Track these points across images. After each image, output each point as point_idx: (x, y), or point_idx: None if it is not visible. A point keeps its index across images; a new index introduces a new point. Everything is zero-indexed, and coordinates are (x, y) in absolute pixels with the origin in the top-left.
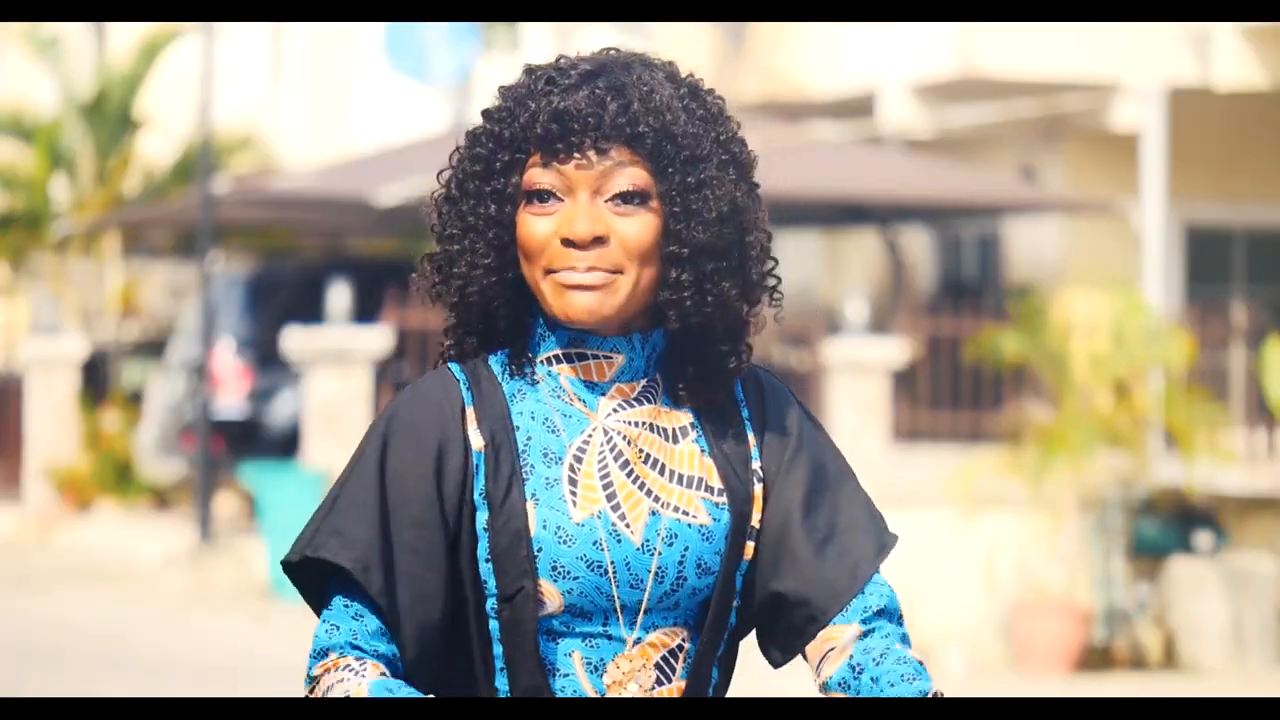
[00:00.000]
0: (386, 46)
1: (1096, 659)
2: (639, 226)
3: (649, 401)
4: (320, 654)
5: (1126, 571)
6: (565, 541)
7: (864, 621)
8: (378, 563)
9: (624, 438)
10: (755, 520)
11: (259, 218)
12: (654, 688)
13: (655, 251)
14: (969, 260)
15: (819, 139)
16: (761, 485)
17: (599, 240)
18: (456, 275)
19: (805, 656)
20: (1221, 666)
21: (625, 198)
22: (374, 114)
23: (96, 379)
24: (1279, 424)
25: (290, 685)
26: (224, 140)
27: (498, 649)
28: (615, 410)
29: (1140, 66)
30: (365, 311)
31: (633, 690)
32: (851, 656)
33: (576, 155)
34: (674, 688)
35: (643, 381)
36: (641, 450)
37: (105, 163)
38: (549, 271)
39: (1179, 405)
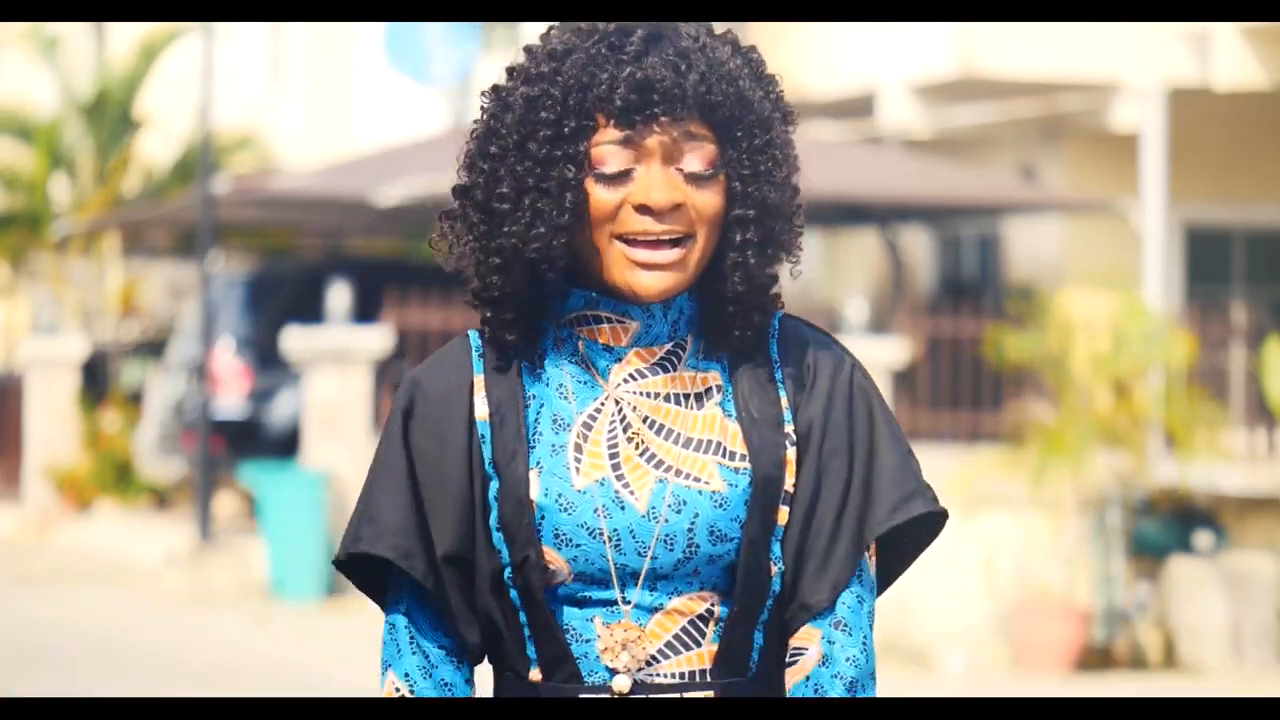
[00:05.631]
0: (386, 46)
1: (1096, 659)
2: (711, 196)
3: (669, 368)
4: (384, 668)
5: (1126, 571)
6: (566, 509)
7: (827, 641)
8: (417, 546)
9: (634, 409)
10: (789, 484)
11: (259, 218)
12: (667, 657)
13: (721, 219)
14: (969, 260)
15: (819, 139)
16: (794, 448)
17: (675, 207)
18: (508, 234)
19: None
20: (1221, 666)
21: (698, 174)
22: (374, 114)
23: (96, 379)
24: (1279, 424)
25: (290, 685)
26: (224, 140)
27: (523, 617)
28: (627, 380)
29: (1140, 66)
30: (365, 311)
31: (624, 660)
32: (808, 680)
33: (655, 127)
34: (703, 652)
35: (665, 346)
36: (653, 421)
37: (105, 163)
38: (618, 238)
39: (1179, 405)
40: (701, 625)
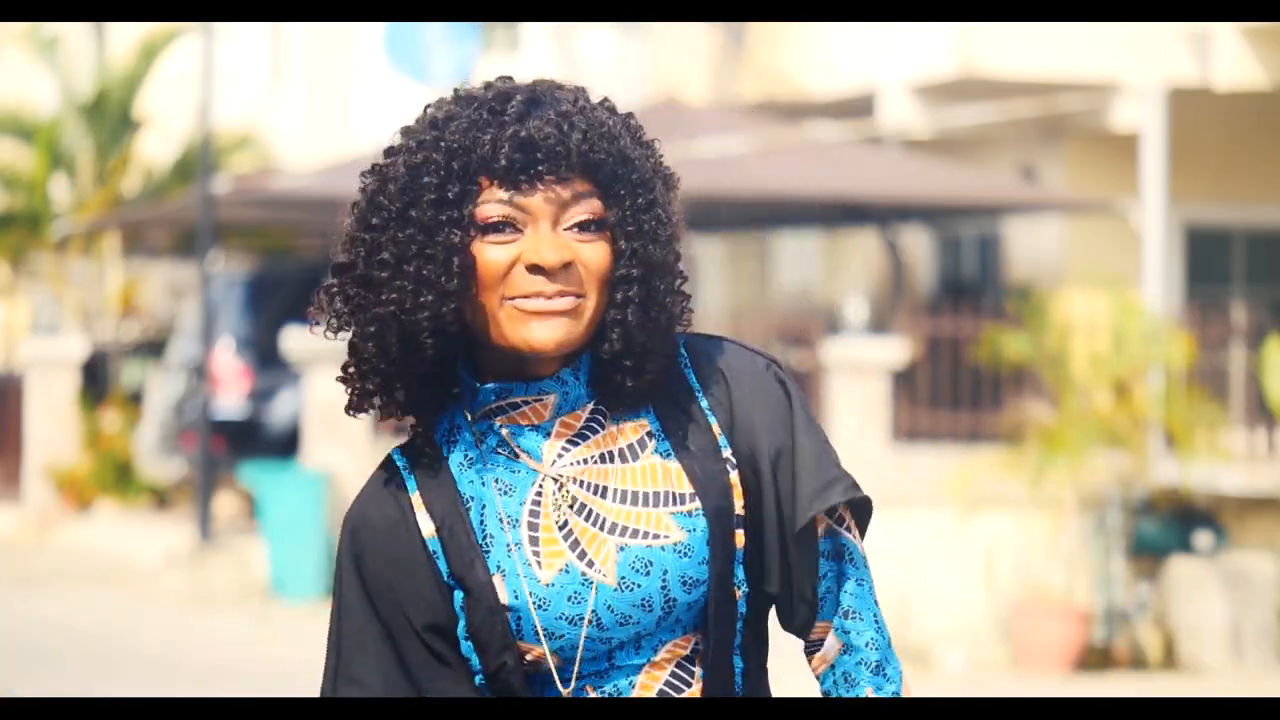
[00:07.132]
0: (386, 46)
1: (1096, 659)
2: (599, 252)
3: (597, 429)
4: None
5: (1126, 571)
6: (540, 605)
7: (842, 631)
8: (404, 690)
9: (574, 480)
10: (739, 508)
11: (259, 218)
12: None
13: (609, 276)
14: (969, 260)
15: (819, 139)
16: (737, 471)
17: (566, 266)
18: (385, 302)
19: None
20: (1221, 666)
21: (584, 226)
22: (374, 114)
23: (96, 379)
24: (1279, 424)
25: (290, 685)
26: (224, 140)
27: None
28: (560, 454)
29: (1140, 66)
30: None
31: None
32: (834, 669)
33: (540, 186)
34: (695, 689)
35: (588, 407)
36: (594, 485)
37: (105, 163)
38: (509, 299)
39: (1179, 405)
40: (689, 665)
